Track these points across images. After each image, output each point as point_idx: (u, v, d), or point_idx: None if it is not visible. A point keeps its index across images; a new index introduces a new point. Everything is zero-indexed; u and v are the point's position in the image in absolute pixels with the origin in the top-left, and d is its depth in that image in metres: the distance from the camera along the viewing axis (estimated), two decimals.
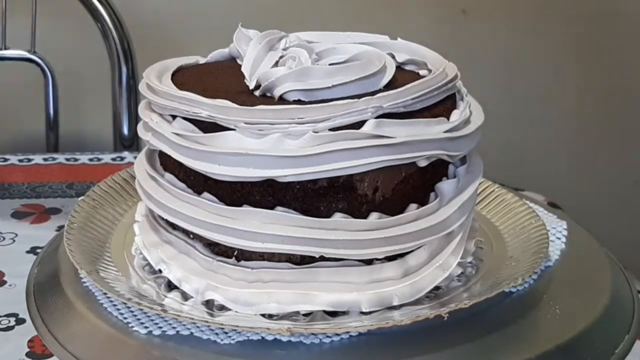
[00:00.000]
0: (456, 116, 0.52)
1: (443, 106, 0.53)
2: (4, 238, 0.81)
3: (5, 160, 1.00)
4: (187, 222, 0.51)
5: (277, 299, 0.49)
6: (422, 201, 0.52)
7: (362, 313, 0.50)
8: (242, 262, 0.51)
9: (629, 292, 0.57)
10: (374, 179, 0.50)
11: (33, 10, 1.12)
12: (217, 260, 0.51)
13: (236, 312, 0.50)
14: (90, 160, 1.01)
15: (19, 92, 1.25)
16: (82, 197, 0.62)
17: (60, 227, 0.82)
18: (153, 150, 0.55)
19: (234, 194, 0.50)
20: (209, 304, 0.51)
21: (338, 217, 0.50)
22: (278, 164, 0.48)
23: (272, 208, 0.49)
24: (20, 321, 0.68)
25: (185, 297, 0.52)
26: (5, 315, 0.69)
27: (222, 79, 0.55)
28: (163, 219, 0.54)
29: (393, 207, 0.51)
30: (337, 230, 0.49)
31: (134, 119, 1.15)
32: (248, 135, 0.49)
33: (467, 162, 0.55)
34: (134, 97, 1.14)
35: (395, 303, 0.50)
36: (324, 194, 0.49)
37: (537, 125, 1.43)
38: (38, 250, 0.77)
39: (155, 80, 0.54)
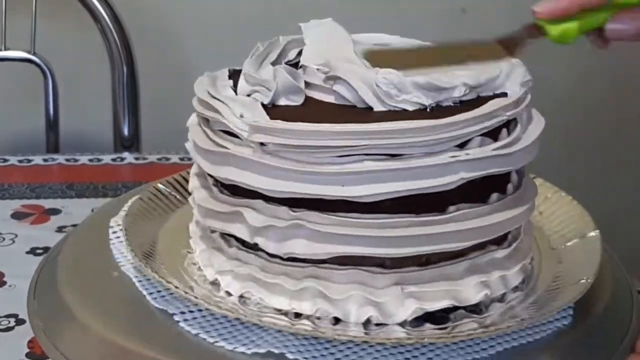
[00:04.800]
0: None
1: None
2: (4, 239, 0.81)
3: (5, 160, 1.00)
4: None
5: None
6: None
7: None
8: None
9: (628, 292, 0.57)
10: None
11: (33, 10, 1.12)
12: None
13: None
14: (90, 160, 1.00)
15: (19, 92, 1.25)
16: (132, 199, 0.62)
17: (60, 228, 0.82)
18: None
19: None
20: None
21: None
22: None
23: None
24: (20, 322, 0.68)
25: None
26: (5, 316, 0.69)
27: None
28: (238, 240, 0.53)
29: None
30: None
31: (134, 119, 1.15)
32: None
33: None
34: (134, 97, 1.14)
35: None
36: None
37: None
38: (38, 251, 0.77)
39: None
